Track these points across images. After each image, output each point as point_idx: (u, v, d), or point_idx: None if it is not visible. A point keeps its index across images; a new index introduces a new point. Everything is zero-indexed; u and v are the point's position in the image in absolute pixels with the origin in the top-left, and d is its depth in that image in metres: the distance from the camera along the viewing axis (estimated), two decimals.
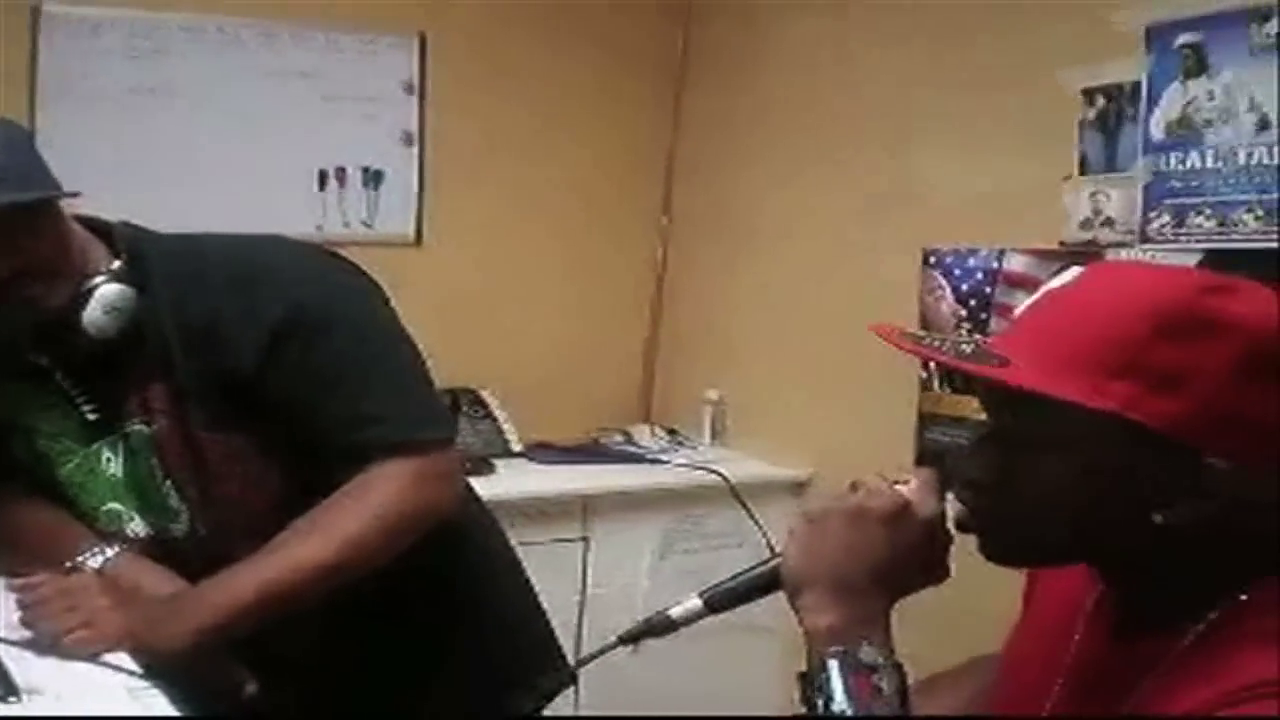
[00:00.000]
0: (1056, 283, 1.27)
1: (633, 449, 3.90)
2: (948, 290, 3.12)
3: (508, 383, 3.78)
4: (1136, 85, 2.70)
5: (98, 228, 1.84)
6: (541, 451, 3.74)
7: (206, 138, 3.18)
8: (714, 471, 3.60)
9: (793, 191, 3.72)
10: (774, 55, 3.80)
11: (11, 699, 1.39)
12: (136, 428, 1.81)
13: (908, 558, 1.20)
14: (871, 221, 3.42)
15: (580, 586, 3.39)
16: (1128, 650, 1.20)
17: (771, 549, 3.52)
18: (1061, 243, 2.84)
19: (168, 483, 1.81)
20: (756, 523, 3.52)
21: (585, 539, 3.46)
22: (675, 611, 1.26)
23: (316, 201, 3.66)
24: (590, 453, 3.84)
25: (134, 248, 1.81)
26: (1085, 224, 2.79)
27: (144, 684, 1.51)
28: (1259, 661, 1.06)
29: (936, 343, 1.26)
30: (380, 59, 3.70)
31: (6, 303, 1.75)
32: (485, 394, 3.75)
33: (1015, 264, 2.97)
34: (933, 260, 3.16)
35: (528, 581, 2.15)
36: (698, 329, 4.11)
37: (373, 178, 3.73)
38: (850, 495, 1.22)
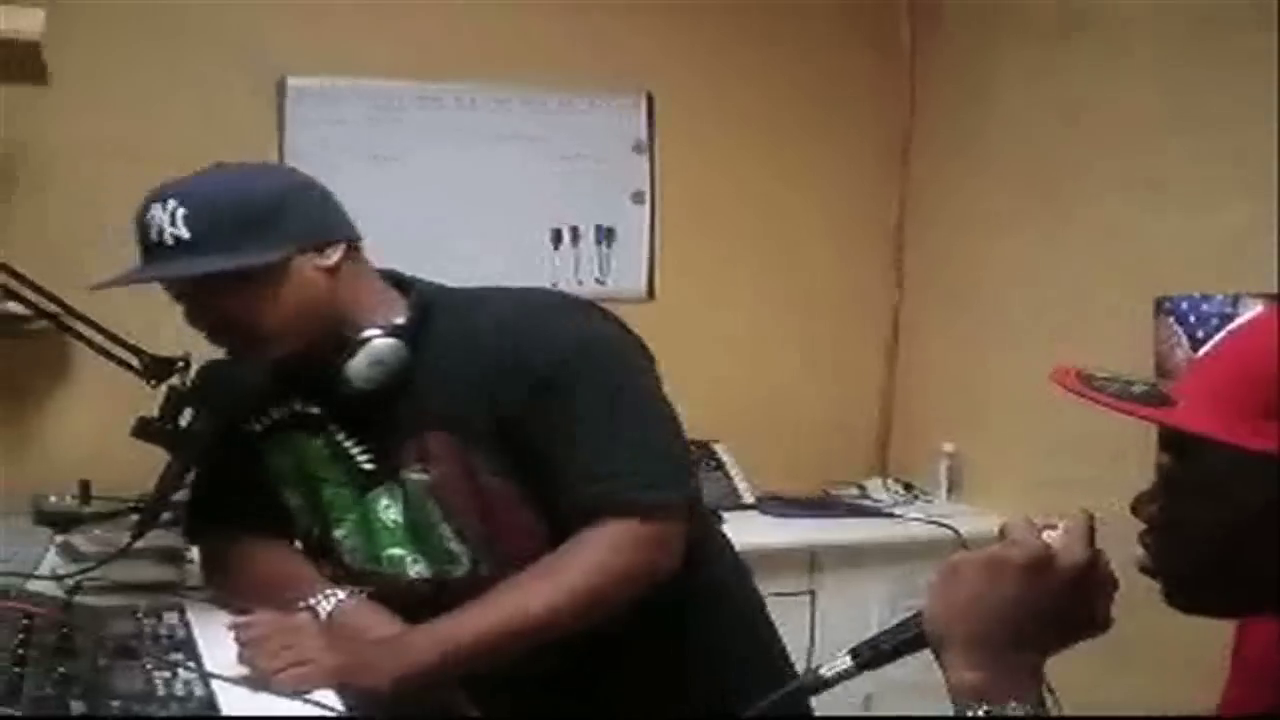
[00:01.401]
0: (1235, 325, 1.24)
1: (866, 502, 3.86)
2: (1183, 338, 3.01)
3: (741, 435, 3.80)
4: None
5: (401, 282, 1.95)
6: (772, 504, 3.74)
7: (444, 201, 3.33)
8: (946, 526, 3.54)
9: (1024, 242, 3.65)
10: (1003, 100, 3.74)
11: None
12: (415, 476, 1.87)
13: (1051, 608, 1.15)
14: (1105, 270, 3.33)
15: (808, 640, 3.36)
16: None
17: None
18: None
19: (446, 527, 1.87)
20: None
21: (812, 592, 3.44)
22: (826, 670, 1.24)
23: (551, 259, 3.77)
24: (821, 505, 3.82)
25: (422, 301, 1.90)
26: None
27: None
28: None
29: (1108, 385, 1.22)
30: (609, 119, 3.80)
31: (233, 352, 1.89)
32: (718, 446, 3.77)
33: (1251, 310, 2.84)
34: (1167, 307, 3.06)
35: (769, 629, 2.14)
36: (934, 381, 4.05)
37: (605, 235, 3.82)
38: (990, 548, 1.18)
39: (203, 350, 1.98)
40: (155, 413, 2.07)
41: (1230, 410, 1.11)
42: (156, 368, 2.23)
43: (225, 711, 1.51)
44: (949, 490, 3.89)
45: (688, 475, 1.92)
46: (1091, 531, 1.19)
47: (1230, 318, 2.89)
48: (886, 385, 4.18)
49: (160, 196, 1.82)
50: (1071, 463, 3.40)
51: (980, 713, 1.12)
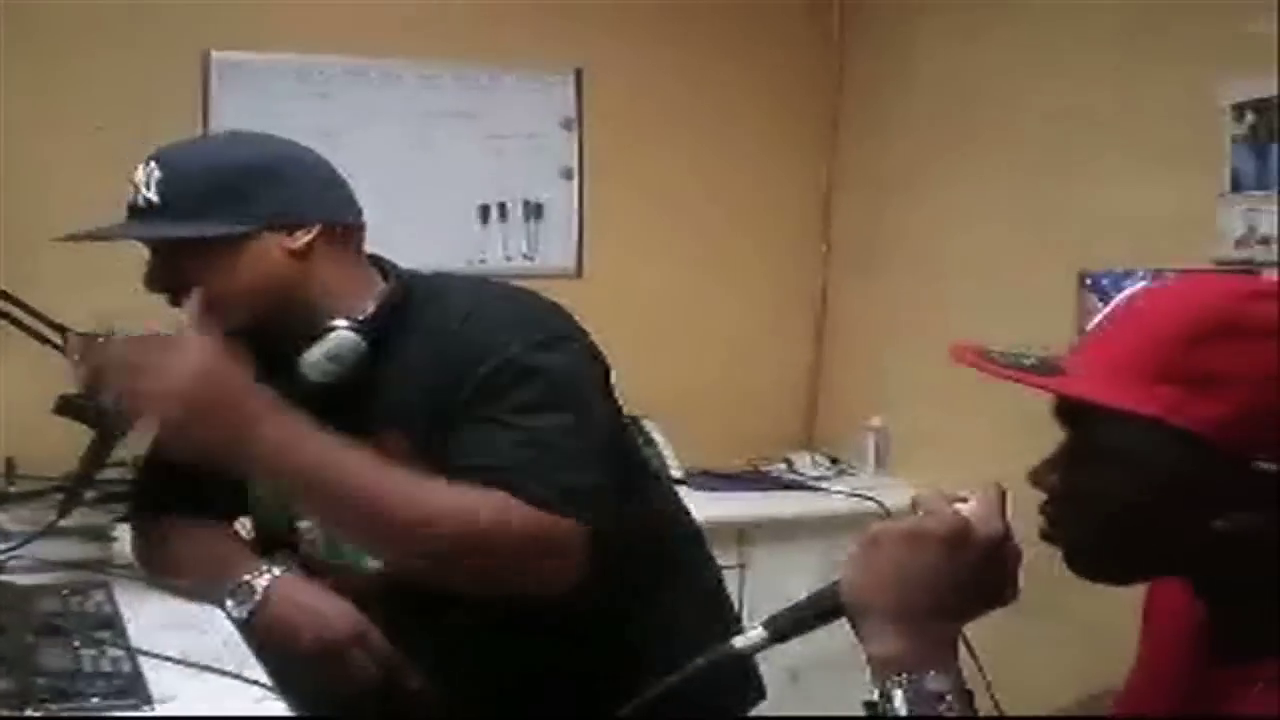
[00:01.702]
0: (1124, 297, 1.27)
1: (794, 476, 3.90)
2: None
3: (669, 411, 3.82)
4: None
5: (384, 270, 1.93)
6: (702, 479, 3.77)
7: (371, 176, 3.30)
8: (872, 499, 3.58)
9: (949, 215, 3.70)
10: (928, 80, 3.79)
11: (145, 707, 1.47)
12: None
13: (969, 580, 1.17)
14: (1028, 245, 3.38)
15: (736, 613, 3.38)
16: (1227, 674, 1.16)
17: None
18: (1217, 262, 2.77)
19: None
20: None
21: (742, 566, 3.47)
22: (739, 642, 1.24)
23: (479, 235, 3.77)
24: (750, 480, 3.85)
25: (395, 293, 1.88)
26: (1240, 242, 2.72)
27: (272, 695, 1.57)
28: None
29: (1000, 357, 1.23)
30: (538, 96, 3.81)
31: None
32: (646, 422, 3.79)
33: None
34: (1089, 282, 3.11)
35: (727, 602, 2.16)
36: (861, 356, 4.10)
37: (533, 211, 3.82)
38: (909, 516, 1.20)
39: (126, 326, 1.97)
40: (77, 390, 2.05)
41: (1119, 377, 1.14)
42: (84, 343, 2.21)
43: (153, 688, 1.50)
44: (876, 464, 3.94)
45: (592, 507, 1.74)
46: (1003, 503, 1.21)
47: None
48: (814, 360, 4.22)
49: (149, 158, 1.84)
50: (995, 435, 3.43)
51: (904, 683, 1.13)
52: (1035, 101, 3.38)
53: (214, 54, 3.43)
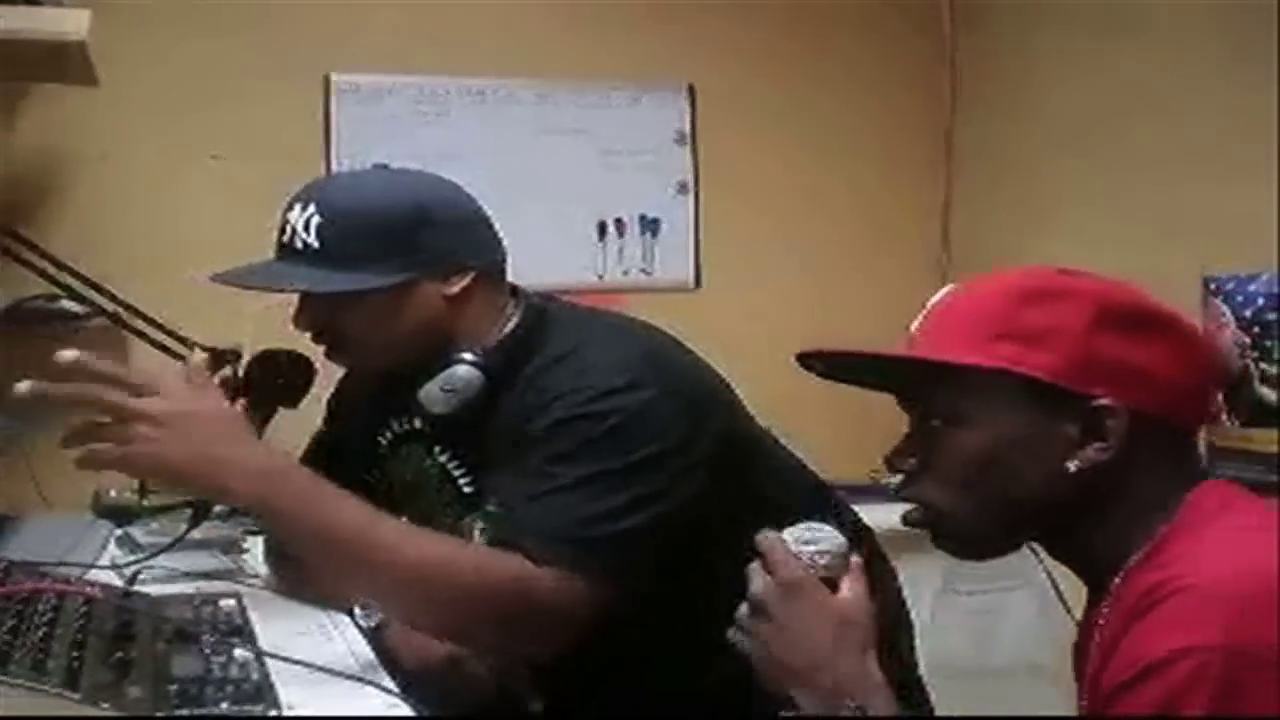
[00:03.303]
0: (942, 293, 1.47)
1: None
2: (1230, 318, 2.99)
3: (788, 422, 3.78)
4: None
5: (518, 300, 1.94)
6: None
7: (490, 195, 3.37)
8: None
9: (1070, 223, 3.63)
10: (1044, 86, 3.74)
11: (273, 712, 1.49)
12: (493, 509, 1.84)
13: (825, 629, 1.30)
14: (1152, 250, 3.30)
15: None
16: (1096, 602, 1.31)
17: (1058, 591, 3.43)
18: None
19: None
20: (1041, 563, 3.43)
21: None
22: None
23: (597, 251, 3.79)
24: (869, 491, 3.80)
25: (517, 329, 1.90)
26: None
27: (400, 702, 1.58)
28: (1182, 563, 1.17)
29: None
30: (652, 112, 3.83)
31: (337, 362, 1.93)
32: None
33: None
34: (1214, 287, 3.04)
35: None
36: None
37: (650, 226, 3.84)
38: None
39: (253, 341, 2.02)
40: None
41: (959, 343, 1.31)
42: (210, 360, 2.26)
43: (281, 693, 1.53)
44: None
45: (603, 560, 1.71)
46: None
47: (1276, 296, 2.88)
48: None
49: (304, 198, 1.86)
50: None
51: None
52: (1153, 109, 3.32)
53: (334, 77, 3.50)
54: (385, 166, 2.03)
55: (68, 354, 1.52)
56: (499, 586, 1.67)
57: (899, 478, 1.37)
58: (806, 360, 1.49)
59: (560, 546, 1.68)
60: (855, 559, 1.36)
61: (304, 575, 2.01)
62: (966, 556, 1.37)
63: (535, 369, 1.86)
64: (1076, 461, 1.26)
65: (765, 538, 1.36)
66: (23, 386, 1.50)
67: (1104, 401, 1.25)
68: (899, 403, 1.39)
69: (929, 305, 1.42)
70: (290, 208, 1.86)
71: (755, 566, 1.35)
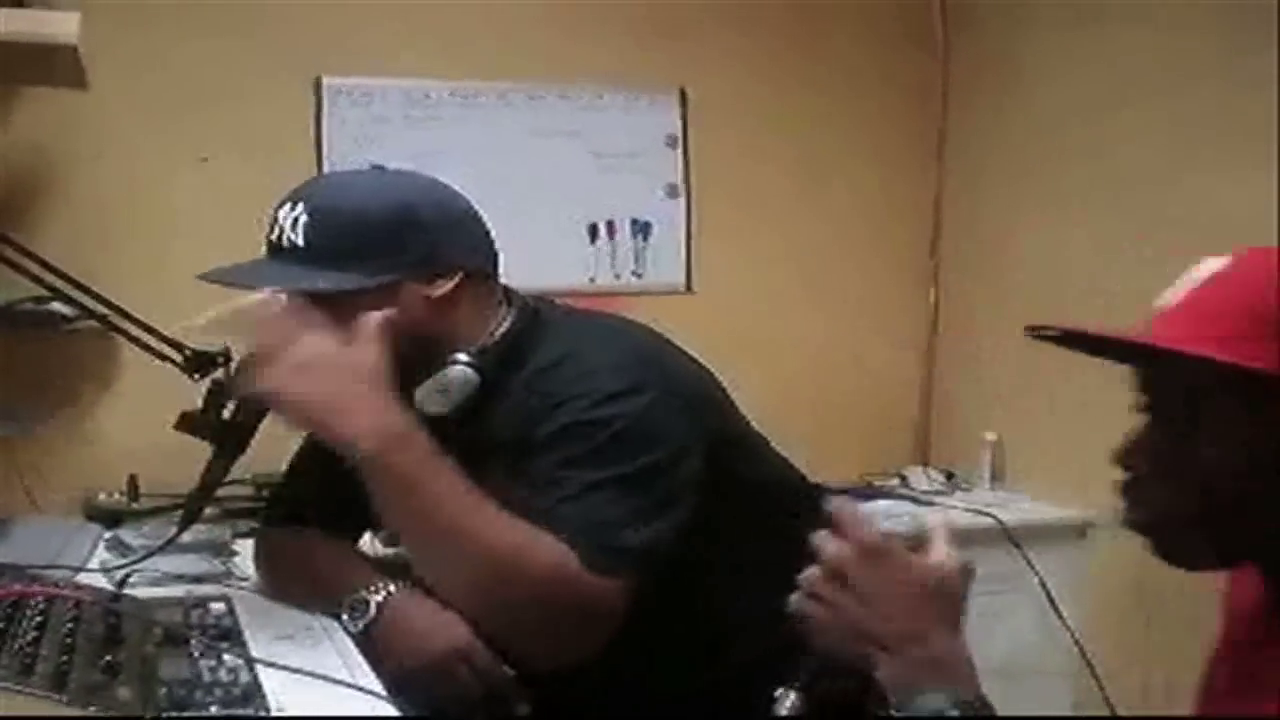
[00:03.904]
0: (1206, 270, 1.25)
1: (906, 491, 3.85)
2: None
3: (780, 424, 3.78)
4: None
5: (512, 302, 1.95)
6: None
7: (481, 197, 3.39)
8: (988, 514, 3.53)
9: (1065, 222, 3.64)
10: (1035, 86, 3.74)
11: (262, 713, 1.49)
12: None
13: (922, 603, 1.24)
14: (1149, 247, 3.31)
15: None
16: None
17: (1049, 596, 3.44)
18: None
19: None
20: (1033, 568, 3.44)
21: None
22: (783, 712, 1.28)
23: (588, 254, 3.79)
24: (862, 494, 3.80)
25: (510, 331, 1.90)
26: None
27: (387, 705, 1.58)
28: None
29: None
30: (643, 115, 3.82)
31: None
32: None
33: None
34: None
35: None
36: (975, 370, 4.04)
37: (641, 229, 3.83)
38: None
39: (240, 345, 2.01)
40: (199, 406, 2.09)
41: (1223, 338, 1.13)
42: (198, 362, 2.26)
43: (269, 697, 1.53)
44: (992, 478, 3.87)
45: (640, 566, 1.74)
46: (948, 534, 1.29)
47: None
48: (926, 374, 4.18)
49: (294, 197, 1.87)
50: (1112, 447, 3.38)
51: (895, 707, 1.19)
52: (1143, 108, 3.32)
53: (325, 80, 3.49)
54: (381, 168, 2.01)
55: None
56: (574, 592, 1.69)
57: (1126, 475, 1.24)
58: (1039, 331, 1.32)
59: (596, 553, 1.69)
60: (944, 522, 1.30)
61: (290, 578, 2.02)
62: (1190, 568, 1.23)
63: (533, 373, 1.86)
64: None
65: (838, 503, 1.29)
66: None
67: None
68: (1138, 388, 1.23)
69: (1184, 283, 1.25)
70: (281, 207, 1.87)
71: (825, 533, 1.28)
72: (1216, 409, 1.13)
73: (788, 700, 1.28)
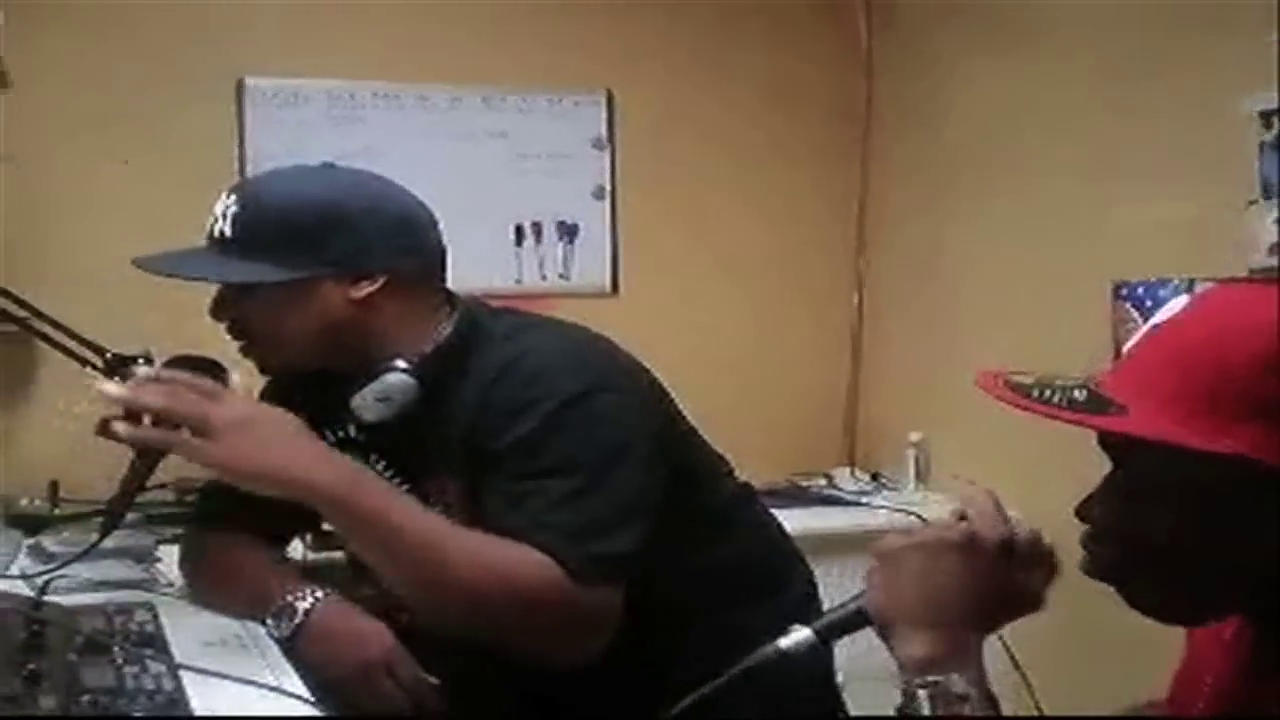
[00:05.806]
0: (1164, 315, 1.23)
1: (834, 492, 3.88)
2: (1140, 322, 3.05)
3: (707, 427, 3.80)
4: None
5: (454, 307, 1.92)
6: None
7: None
8: (914, 514, 3.56)
9: (984, 229, 3.68)
10: (957, 94, 3.78)
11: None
12: (438, 512, 1.82)
13: (985, 587, 1.21)
14: (1063, 257, 3.36)
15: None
16: (1268, 685, 1.14)
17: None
18: (1252, 270, 2.75)
19: None
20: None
21: None
22: (785, 643, 1.26)
23: (514, 256, 3.79)
24: (788, 495, 3.83)
25: (458, 333, 1.88)
26: (1273, 249, 2.70)
27: (312, 709, 1.58)
28: None
29: (1048, 393, 1.17)
30: (570, 117, 3.84)
31: (248, 358, 1.91)
32: None
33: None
34: (1124, 293, 3.09)
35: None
36: (899, 371, 4.08)
37: (568, 231, 3.84)
38: (921, 530, 1.26)
39: (163, 346, 2.00)
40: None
41: (1197, 414, 1.07)
42: (118, 365, 2.24)
43: (194, 704, 1.51)
44: (916, 479, 3.91)
45: (627, 569, 1.75)
46: (998, 507, 1.25)
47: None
48: (852, 376, 4.21)
49: (231, 188, 1.88)
50: (1037, 450, 3.41)
51: (928, 681, 1.17)
52: (1065, 116, 3.37)
53: (248, 81, 3.47)
54: (331, 165, 2.00)
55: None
56: (565, 602, 1.69)
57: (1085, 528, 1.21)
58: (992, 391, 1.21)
59: (585, 564, 1.69)
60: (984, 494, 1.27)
61: (215, 583, 2.00)
62: (1165, 623, 1.20)
63: (482, 378, 1.84)
64: None
65: (968, 491, 1.29)
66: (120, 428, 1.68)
67: None
68: (1101, 445, 1.18)
69: (1148, 330, 1.23)
70: (219, 197, 1.87)
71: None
72: (1190, 481, 1.10)
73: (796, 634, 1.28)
